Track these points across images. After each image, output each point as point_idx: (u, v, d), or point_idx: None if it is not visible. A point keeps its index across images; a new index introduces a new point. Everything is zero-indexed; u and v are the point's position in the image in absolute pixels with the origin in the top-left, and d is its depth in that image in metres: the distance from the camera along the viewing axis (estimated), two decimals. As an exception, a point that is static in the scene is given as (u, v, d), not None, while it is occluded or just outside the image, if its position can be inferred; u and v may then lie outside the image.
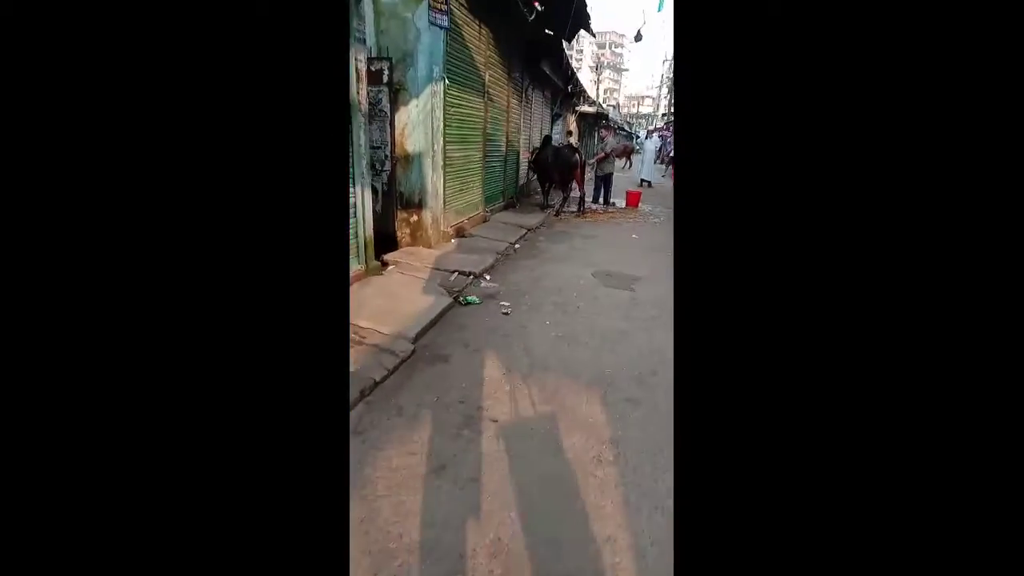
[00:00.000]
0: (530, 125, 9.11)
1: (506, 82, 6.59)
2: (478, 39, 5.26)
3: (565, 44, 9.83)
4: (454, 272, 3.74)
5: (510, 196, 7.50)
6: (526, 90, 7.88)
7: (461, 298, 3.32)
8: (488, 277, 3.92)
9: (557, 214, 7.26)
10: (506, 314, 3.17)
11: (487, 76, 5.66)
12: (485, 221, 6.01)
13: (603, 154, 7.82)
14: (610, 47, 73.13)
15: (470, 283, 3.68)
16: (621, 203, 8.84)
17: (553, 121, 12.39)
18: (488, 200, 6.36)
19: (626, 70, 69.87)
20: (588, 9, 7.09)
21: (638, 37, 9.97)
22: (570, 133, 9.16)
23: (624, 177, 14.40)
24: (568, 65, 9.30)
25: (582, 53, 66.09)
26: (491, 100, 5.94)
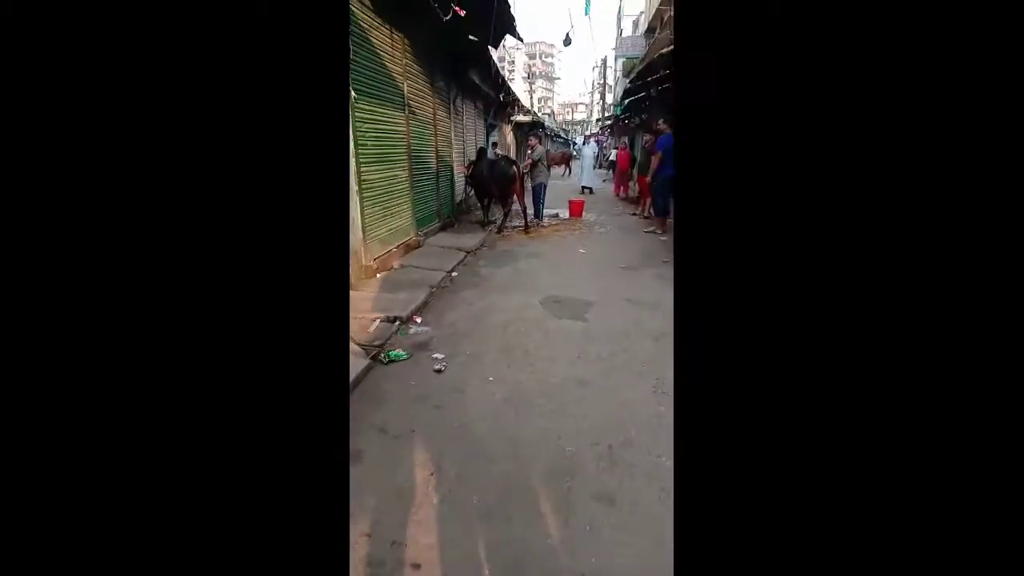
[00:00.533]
0: (463, 137, 8.59)
1: (430, 93, 6.03)
2: (391, 46, 4.68)
3: (493, 51, 9.46)
4: (375, 319, 3.10)
5: (447, 216, 6.92)
6: (455, 101, 7.36)
7: (383, 355, 2.70)
8: (419, 319, 3.31)
9: (499, 231, 6.76)
10: (439, 371, 2.58)
11: (406, 87, 5.08)
12: (418, 247, 5.40)
13: (529, 162, 7.31)
14: (540, 57, 74.61)
15: (396, 331, 3.06)
16: (564, 213, 8.50)
17: (488, 132, 11.97)
18: (421, 223, 5.75)
19: (558, 78, 71.48)
20: (512, 11, 6.70)
21: (567, 41, 9.77)
22: (495, 144, 8.68)
23: (565, 185, 14.21)
24: (498, 73, 8.90)
25: (514, 64, 66.94)
26: (414, 113, 5.36)
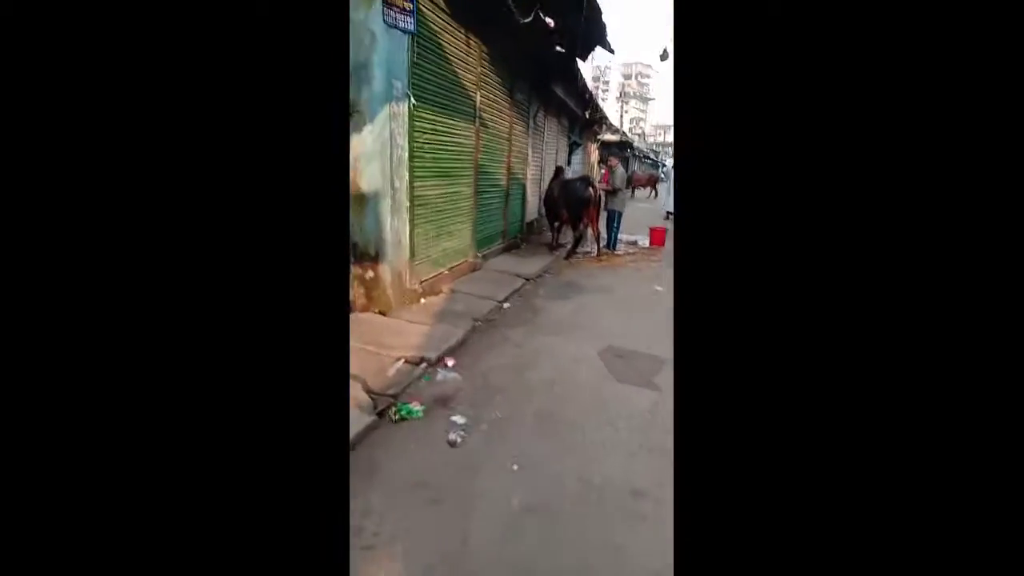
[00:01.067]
0: (542, 154, 8.16)
1: (507, 105, 5.65)
2: (466, 53, 4.34)
3: (581, 64, 8.98)
4: (399, 359, 2.66)
5: (512, 236, 6.47)
6: (535, 116, 6.95)
7: (394, 410, 2.23)
8: (451, 362, 2.82)
9: (567, 257, 6.17)
10: (453, 443, 2.05)
11: (479, 97, 4.71)
12: (475, 270, 4.97)
13: (609, 187, 6.61)
14: (636, 77, 73.30)
15: (420, 376, 2.59)
16: (644, 241, 7.69)
17: (571, 151, 11.46)
18: (482, 243, 5.33)
19: (652, 99, 69.71)
20: (603, 20, 6.17)
21: (664, 56, 9.04)
22: (603, 162, 8.02)
23: (649, 209, 13.26)
24: (585, 87, 8.38)
25: (608, 84, 66.38)
26: (485, 126, 4.98)
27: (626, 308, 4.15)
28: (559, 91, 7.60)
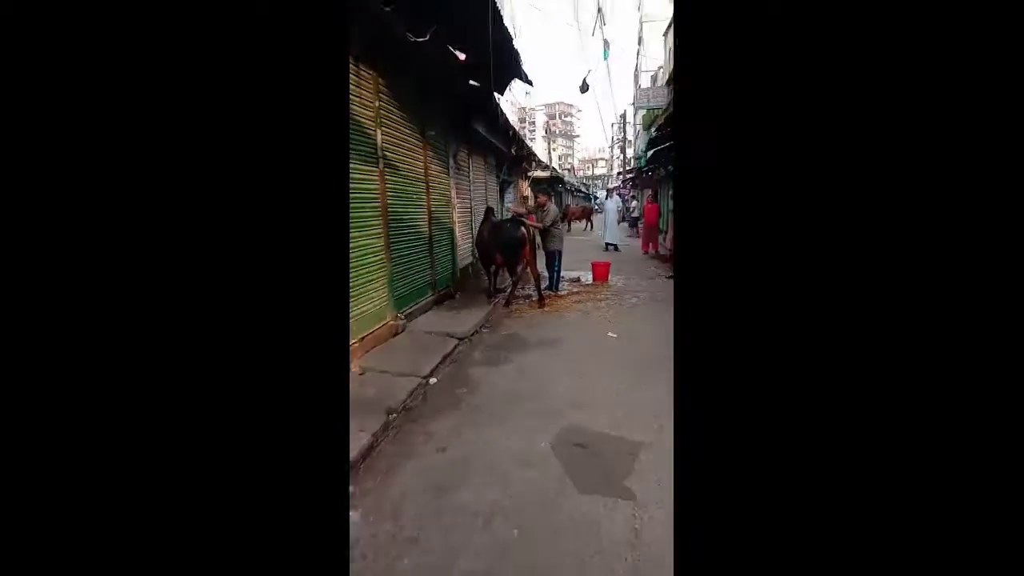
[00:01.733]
0: (470, 195, 7.59)
1: (419, 145, 5.02)
2: (356, 84, 3.68)
3: (505, 103, 8.67)
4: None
5: (444, 287, 5.72)
6: (455, 154, 6.38)
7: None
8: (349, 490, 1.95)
9: (507, 304, 5.48)
10: None
11: (380, 136, 4.03)
12: (396, 334, 4.14)
13: (540, 226, 5.92)
14: (560, 116, 77.13)
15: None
16: (587, 276, 7.20)
17: (503, 189, 11.07)
18: (404, 300, 4.53)
19: (577, 136, 73.34)
20: (514, 48, 5.82)
21: (584, 88, 8.99)
22: (525, 198, 7.48)
23: (586, 241, 13.05)
24: (507, 123, 8.02)
25: (535, 124, 69.17)
26: (392, 167, 4.29)
27: (580, 365, 3.46)
28: (480, 128, 7.15)
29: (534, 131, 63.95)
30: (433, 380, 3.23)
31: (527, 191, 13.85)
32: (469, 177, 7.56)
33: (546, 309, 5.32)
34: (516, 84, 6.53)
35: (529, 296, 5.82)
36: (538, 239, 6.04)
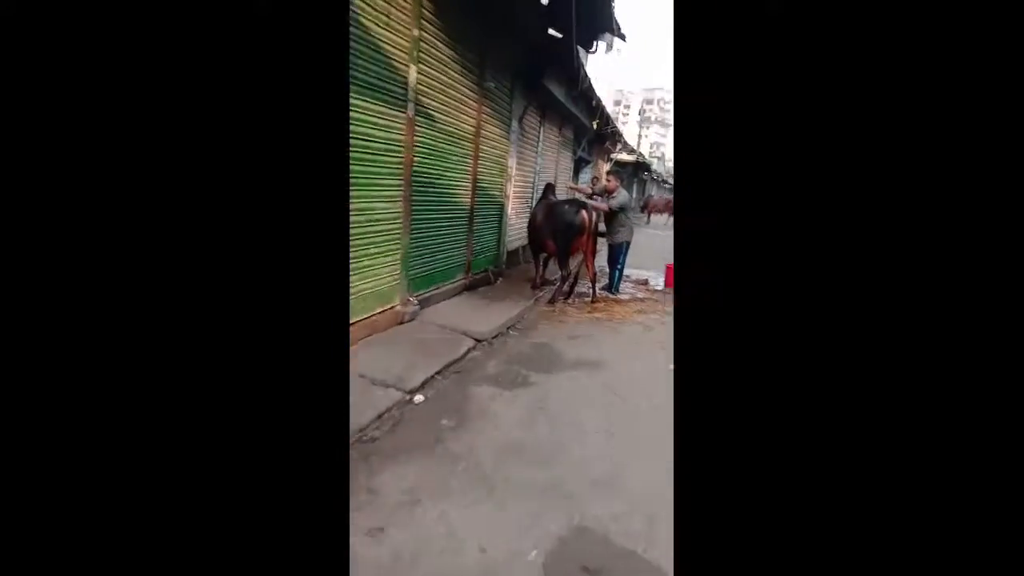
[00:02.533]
0: (535, 168, 6.65)
1: (472, 95, 4.15)
2: (388, 2, 2.85)
3: (597, 77, 7.52)
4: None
5: (482, 270, 4.90)
6: (521, 118, 5.45)
7: None
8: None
9: (551, 302, 4.56)
10: None
11: (414, 74, 3.20)
12: (402, 322, 3.39)
13: (605, 207, 4.86)
14: (658, 103, 72.56)
15: None
16: (658, 280, 6.05)
17: (577, 168, 9.96)
18: (423, 282, 3.77)
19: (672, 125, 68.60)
20: (611, 3, 4.70)
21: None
22: (595, 179, 6.31)
23: (666, 239, 11.59)
24: (591, 89, 6.86)
25: (629, 108, 65.68)
26: (427, 117, 3.47)
27: (621, 410, 2.50)
28: (557, 91, 6.11)
29: (627, 114, 60.76)
30: (418, 398, 2.43)
31: (602, 173, 12.58)
32: (537, 147, 6.61)
33: (597, 315, 4.32)
34: (613, 62, 5.41)
35: (583, 294, 4.85)
36: (603, 226, 5.00)
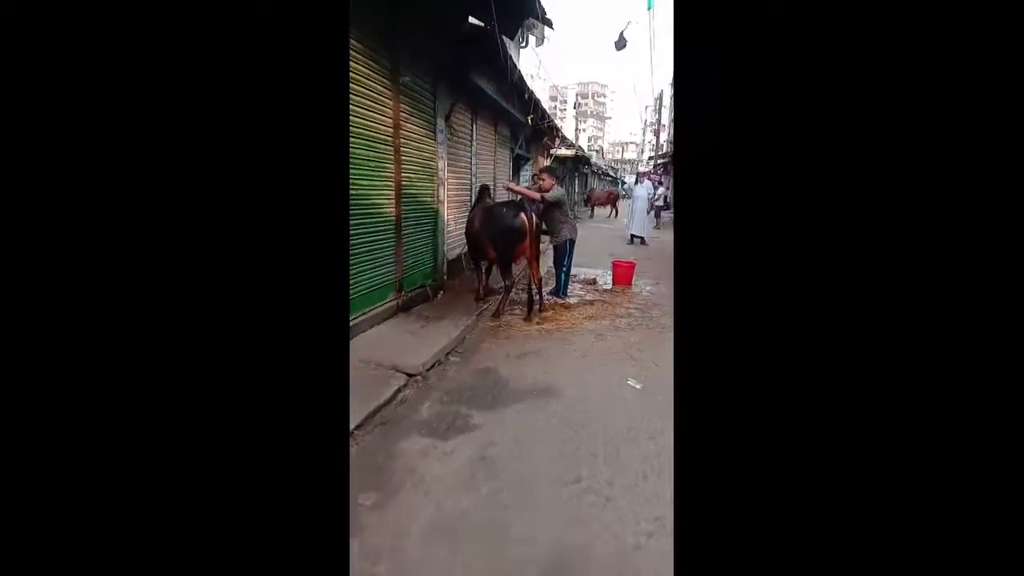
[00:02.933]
0: (471, 169, 6.23)
1: (384, 92, 3.66)
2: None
3: (516, 53, 7.18)
4: None
5: (416, 287, 4.42)
6: (448, 115, 5.01)
7: None
8: None
9: (496, 316, 4.17)
10: None
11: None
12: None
13: (538, 196, 4.46)
14: (592, 97, 74.07)
15: None
16: (606, 277, 5.81)
17: (518, 167, 9.63)
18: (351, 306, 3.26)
19: (609, 118, 70.28)
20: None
21: (621, 44, 7.43)
22: (535, 176, 5.89)
23: (609, 231, 11.54)
24: (522, 82, 6.50)
25: (565, 103, 66.53)
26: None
27: (577, 453, 2.14)
28: (486, 86, 5.72)
29: (564, 110, 61.58)
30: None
31: (539, 171, 12.34)
32: (471, 147, 6.19)
33: (545, 326, 3.98)
34: (545, 57, 5.07)
35: (537, 306, 4.48)
36: (545, 226, 4.66)
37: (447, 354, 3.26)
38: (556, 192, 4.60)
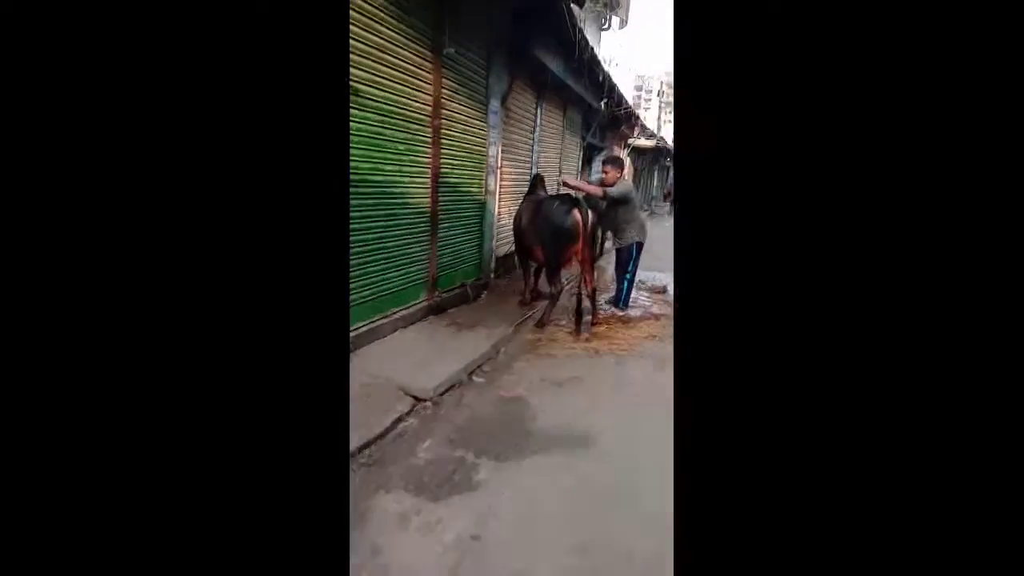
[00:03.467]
0: (532, 157, 5.66)
1: (423, 67, 3.19)
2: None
3: (596, 38, 6.43)
4: None
5: (453, 287, 3.96)
6: (504, 97, 4.47)
7: None
8: None
9: (540, 325, 3.60)
10: None
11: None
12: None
13: (600, 192, 3.79)
14: (681, 85, 69.63)
15: None
16: (670, 289, 4.98)
17: (589, 158, 8.87)
18: (362, 311, 2.87)
19: (698, 108, 65.78)
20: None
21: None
22: (610, 167, 5.00)
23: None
24: (594, 60, 5.71)
25: (651, 93, 63.23)
26: (353, 94, 2.54)
27: (604, 546, 1.53)
28: (552, 63, 5.08)
29: (649, 100, 58.61)
30: None
31: (602, 163, 11.33)
32: (534, 132, 5.62)
33: (596, 341, 3.34)
34: (632, 47, 4.34)
35: (587, 318, 3.84)
36: (608, 226, 3.99)
37: (470, 373, 2.76)
38: (622, 187, 3.89)
